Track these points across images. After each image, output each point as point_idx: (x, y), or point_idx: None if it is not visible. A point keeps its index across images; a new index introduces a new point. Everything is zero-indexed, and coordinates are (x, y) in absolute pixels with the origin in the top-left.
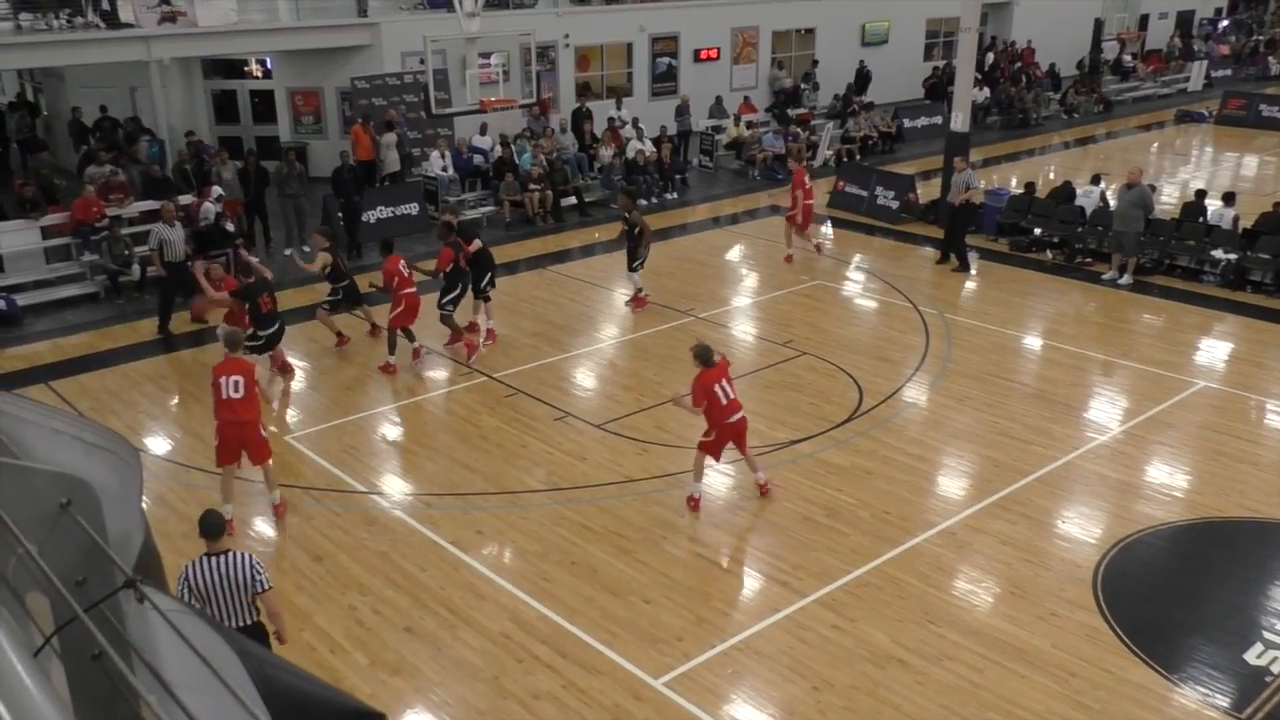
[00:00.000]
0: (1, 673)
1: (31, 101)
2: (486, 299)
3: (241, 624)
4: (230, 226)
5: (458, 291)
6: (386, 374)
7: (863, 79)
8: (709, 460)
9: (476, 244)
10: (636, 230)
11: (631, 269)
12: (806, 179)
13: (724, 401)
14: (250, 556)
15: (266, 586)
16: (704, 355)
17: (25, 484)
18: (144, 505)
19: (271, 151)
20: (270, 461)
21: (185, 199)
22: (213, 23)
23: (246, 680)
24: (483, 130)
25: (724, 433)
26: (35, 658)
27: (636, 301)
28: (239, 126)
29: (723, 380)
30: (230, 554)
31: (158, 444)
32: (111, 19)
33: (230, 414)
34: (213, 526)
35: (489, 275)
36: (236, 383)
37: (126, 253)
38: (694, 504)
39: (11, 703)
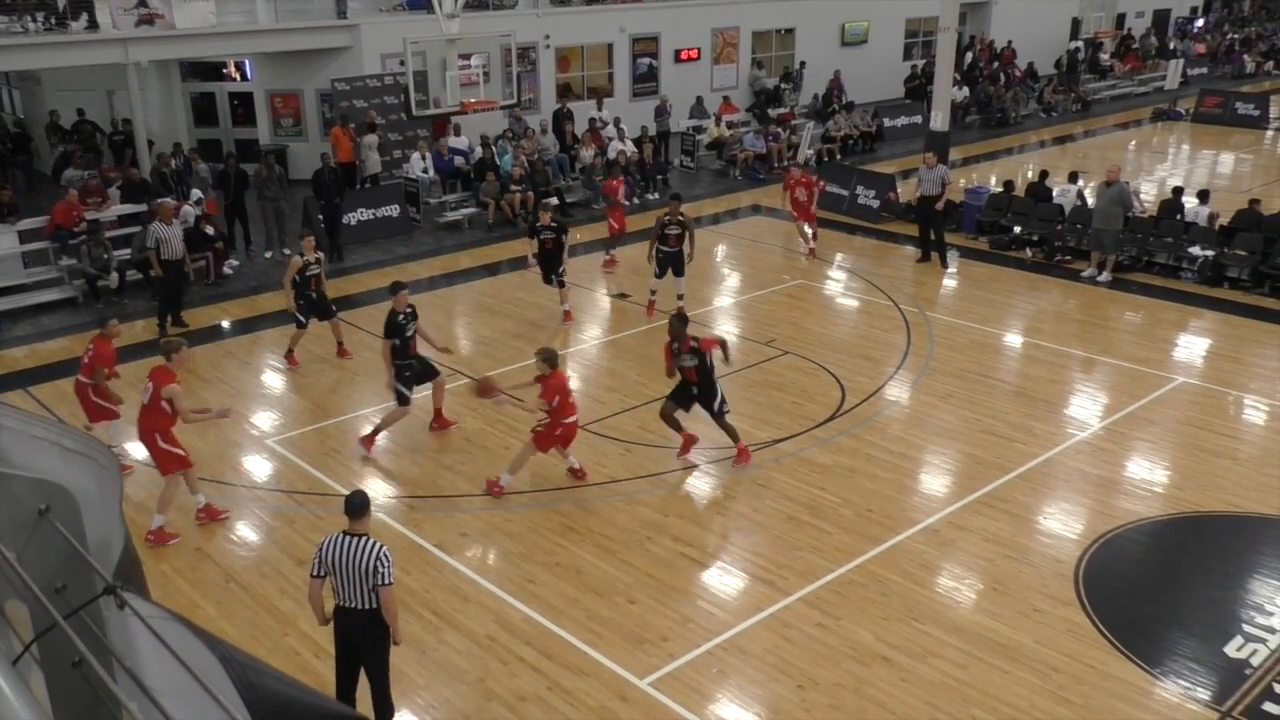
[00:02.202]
0: None
1: None
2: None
3: (362, 607)
4: (210, 230)
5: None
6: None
7: (839, 88)
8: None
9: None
10: (689, 231)
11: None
12: (798, 177)
13: (570, 400)
14: (382, 549)
15: (386, 581)
16: (552, 359)
17: (3, 490)
18: (122, 510)
19: (251, 154)
20: (170, 476)
21: (167, 202)
22: (191, 25)
23: (229, 686)
24: (456, 131)
25: (566, 431)
26: (14, 666)
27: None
28: (218, 129)
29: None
30: (364, 539)
31: (137, 449)
32: (79, 14)
33: (139, 418)
34: (355, 506)
35: None
36: (147, 388)
37: (106, 257)
38: (498, 490)
39: None
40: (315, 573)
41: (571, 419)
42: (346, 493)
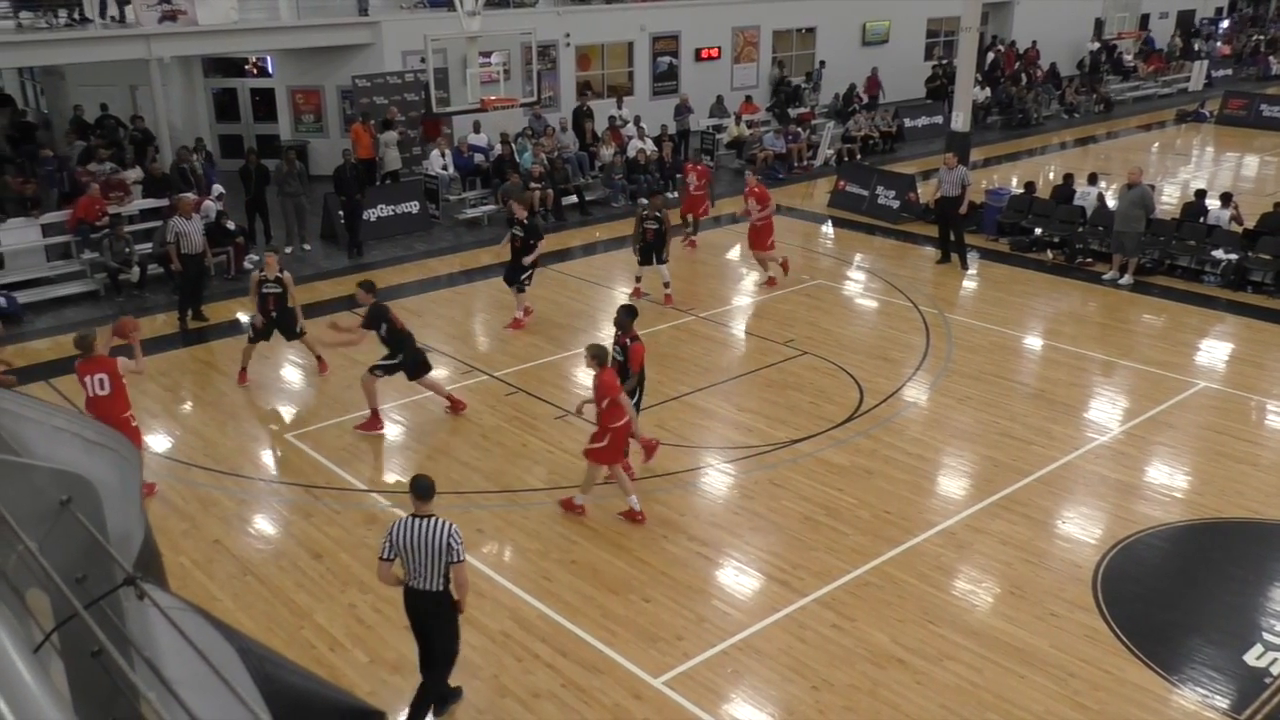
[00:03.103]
0: (1, 670)
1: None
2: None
3: (432, 588)
4: (230, 225)
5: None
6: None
7: (877, 86)
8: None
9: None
10: (664, 227)
11: (663, 260)
12: (758, 189)
13: (619, 402)
14: (452, 526)
15: (460, 558)
16: (601, 355)
17: (26, 481)
18: (143, 502)
19: (272, 150)
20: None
21: (186, 197)
22: (213, 21)
23: (246, 678)
24: (476, 128)
25: (616, 436)
26: (35, 654)
27: (646, 295)
28: (239, 125)
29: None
30: (433, 519)
31: (158, 441)
32: (104, 12)
33: (98, 411)
34: (423, 488)
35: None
36: (101, 380)
37: (127, 251)
38: (578, 507)
39: (11, 699)
40: (386, 555)
41: (620, 422)
42: (364, 487)
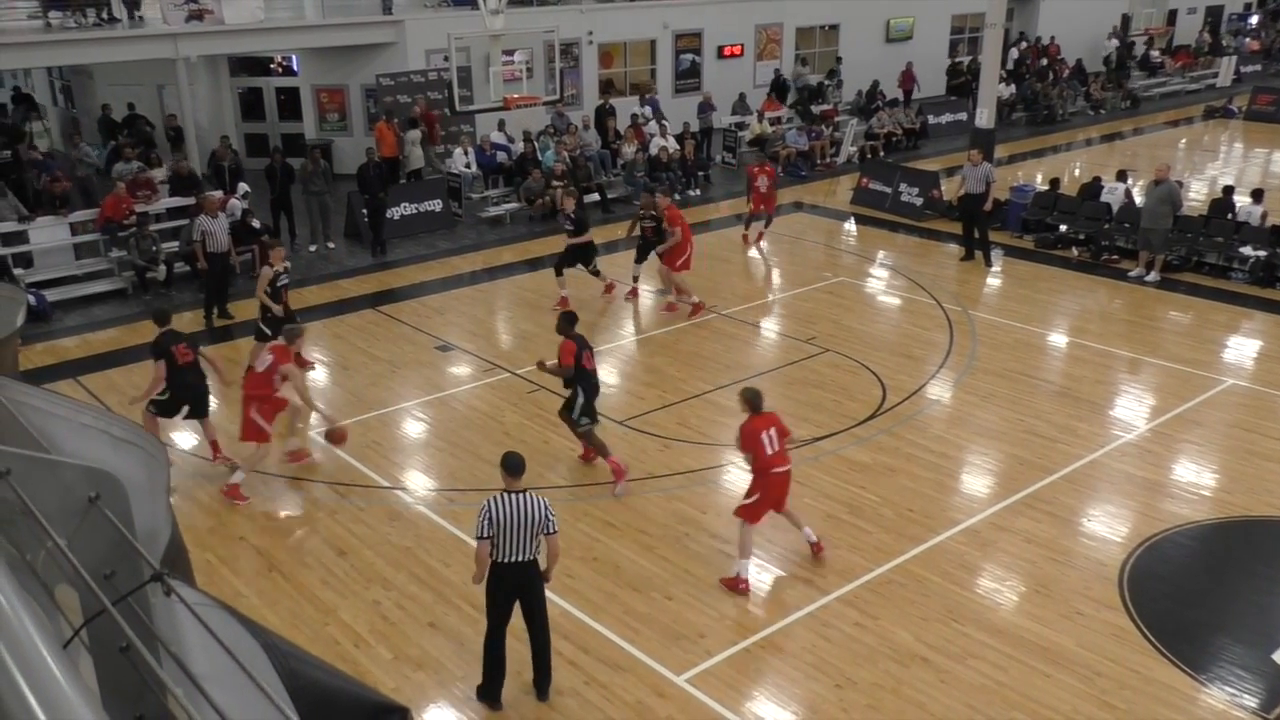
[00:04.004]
0: (31, 665)
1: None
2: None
3: (524, 558)
4: (256, 223)
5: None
6: None
7: (912, 81)
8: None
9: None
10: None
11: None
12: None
13: (769, 451)
14: (545, 499)
15: (555, 529)
16: (754, 400)
17: (54, 478)
18: (170, 500)
19: (297, 149)
20: (246, 444)
21: (212, 195)
22: (239, 20)
23: (272, 674)
24: (500, 126)
25: (770, 486)
26: (64, 650)
27: (632, 292)
28: (265, 124)
29: (771, 429)
30: (527, 494)
31: (184, 439)
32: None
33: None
34: (516, 465)
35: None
36: (264, 359)
37: (154, 249)
38: (742, 586)
39: (41, 695)
40: (484, 534)
41: (780, 469)
42: (387, 484)
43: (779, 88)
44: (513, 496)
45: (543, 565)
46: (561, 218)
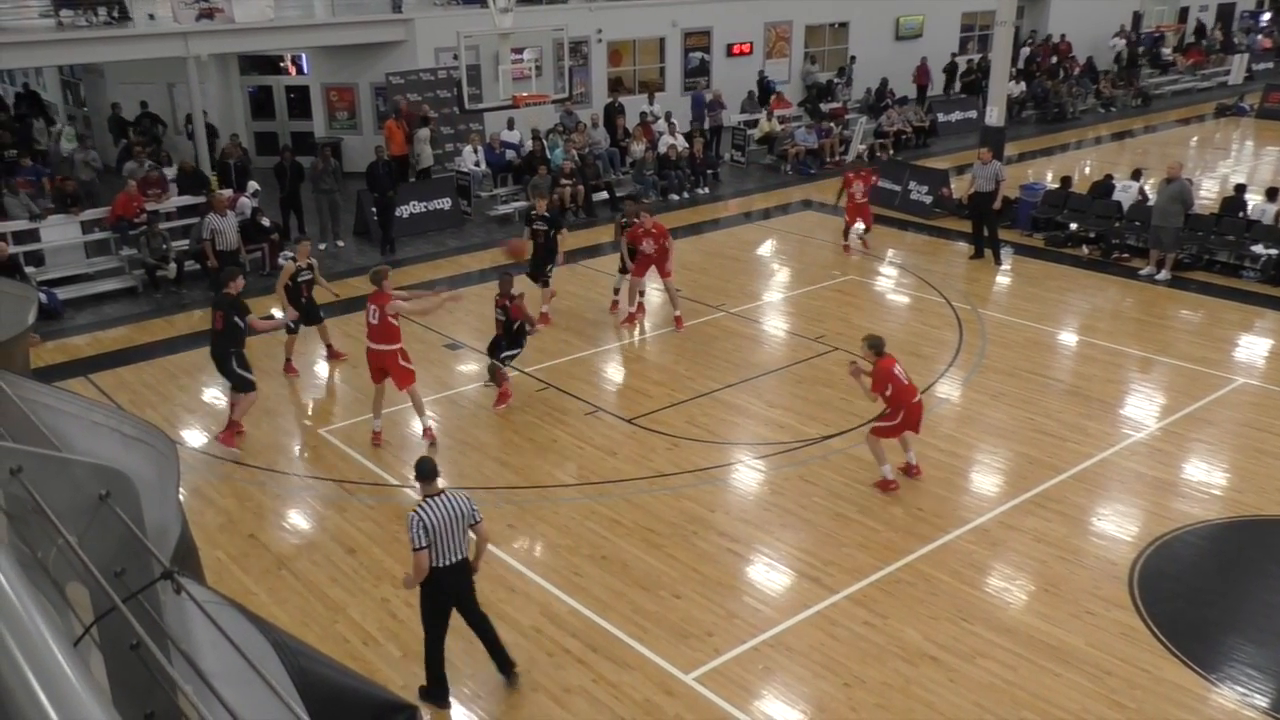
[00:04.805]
0: (42, 662)
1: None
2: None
3: (459, 558)
4: (266, 222)
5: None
6: None
7: (926, 75)
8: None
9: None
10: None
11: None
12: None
13: (905, 383)
14: (463, 493)
15: (480, 517)
16: (878, 345)
17: (65, 475)
18: (180, 497)
19: (307, 147)
20: (411, 389)
21: (221, 194)
22: (250, 19)
23: (282, 671)
24: (510, 125)
25: (910, 412)
26: (75, 647)
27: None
28: (275, 122)
29: (898, 366)
30: (446, 493)
31: (194, 437)
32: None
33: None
34: (429, 470)
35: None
36: (374, 311)
37: (164, 247)
38: (892, 486)
39: (52, 691)
40: (421, 544)
41: (916, 399)
42: (395, 482)
43: (763, 89)
44: (438, 499)
45: (473, 556)
46: (534, 217)
